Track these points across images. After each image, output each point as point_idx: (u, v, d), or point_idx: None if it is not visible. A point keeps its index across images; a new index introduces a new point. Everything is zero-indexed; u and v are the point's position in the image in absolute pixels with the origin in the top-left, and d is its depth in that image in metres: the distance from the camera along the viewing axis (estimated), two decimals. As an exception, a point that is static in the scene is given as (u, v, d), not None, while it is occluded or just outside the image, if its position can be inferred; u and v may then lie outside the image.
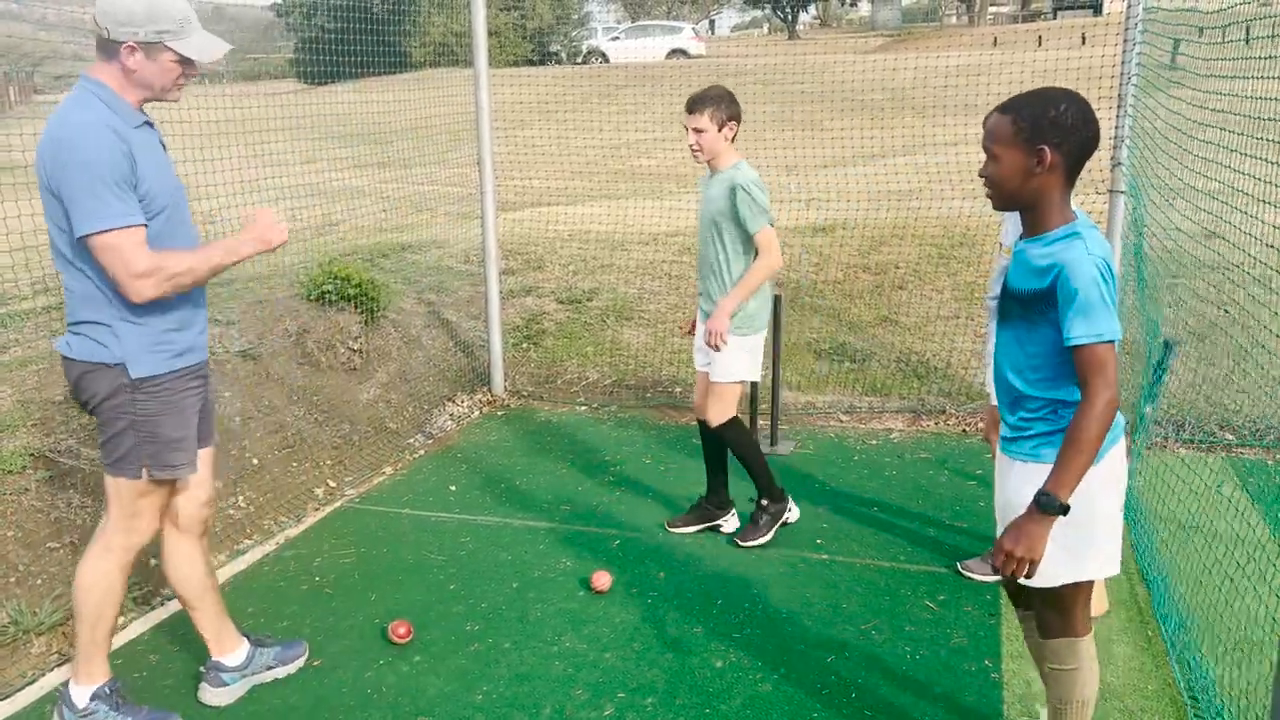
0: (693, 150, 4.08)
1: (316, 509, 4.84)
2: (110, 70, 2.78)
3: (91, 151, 2.64)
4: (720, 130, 4.02)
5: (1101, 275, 2.21)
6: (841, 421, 5.98)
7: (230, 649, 3.32)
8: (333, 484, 5.10)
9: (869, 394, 6.24)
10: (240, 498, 4.74)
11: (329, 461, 5.27)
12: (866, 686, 3.32)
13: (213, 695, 3.28)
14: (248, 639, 3.40)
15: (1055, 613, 2.58)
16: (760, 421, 5.61)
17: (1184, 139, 4.23)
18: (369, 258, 7.77)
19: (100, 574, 2.99)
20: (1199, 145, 4.11)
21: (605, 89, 18.88)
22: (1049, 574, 2.42)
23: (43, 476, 4.23)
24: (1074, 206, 2.41)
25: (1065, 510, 2.23)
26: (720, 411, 4.24)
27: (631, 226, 8.34)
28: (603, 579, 3.98)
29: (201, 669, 3.37)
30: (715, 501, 4.54)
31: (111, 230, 2.66)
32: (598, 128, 11.26)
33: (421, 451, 5.65)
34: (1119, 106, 5.07)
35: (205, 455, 3.16)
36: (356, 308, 6.30)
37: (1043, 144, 2.26)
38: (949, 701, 3.23)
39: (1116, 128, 5.11)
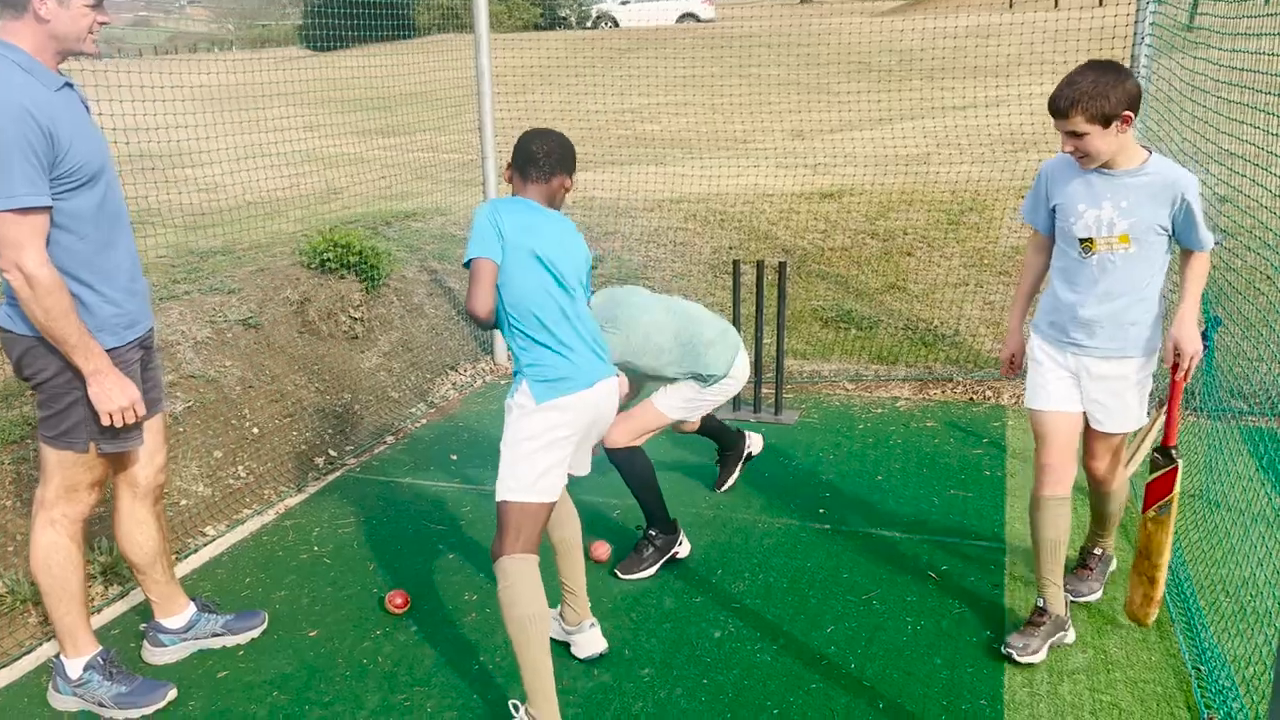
0: None
1: (317, 479, 4.82)
2: (22, 29, 2.64)
3: (3, 125, 2.51)
4: None
5: (488, 215, 2.80)
6: (847, 390, 5.92)
7: (174, 612, 3.35)
8: (333, 453, 5.07)
9: (875, 362, 6.18)
10: (240, 467, 4.72)
11: (330, 431, 5.25)
12: (866, 657, 3.29)
13: (151, 654, 3.34)
14: (194, 604, 3.41)
15: (497, 528, 2.88)
16: (764, 390, 5.56)
17: (1206, 99, 4.12)
18: (372, 225, 7.71)
19: (53, 547, 2.95)
20: (1216, 105, 4.01)
21: (611, 53, 18.66)
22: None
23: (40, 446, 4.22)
24: None
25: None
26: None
27: (636, 193, 8.25)
28: (602, 549, 3.95)
29: (143, 627, 3.44)
30: (727, 444, 4.56)
31: (12, 211, 2.53)
32: (602, 93, 11.11)
33: (423, 420, 5.62)
34: (1131, 68, 4.95)
35: (156, 422, 3.14)
36: (358, 276, 6.25)
37: None
38: (949, 673, 3.20)
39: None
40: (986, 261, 6.97)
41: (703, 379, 3.89)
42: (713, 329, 3.89)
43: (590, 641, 3.28)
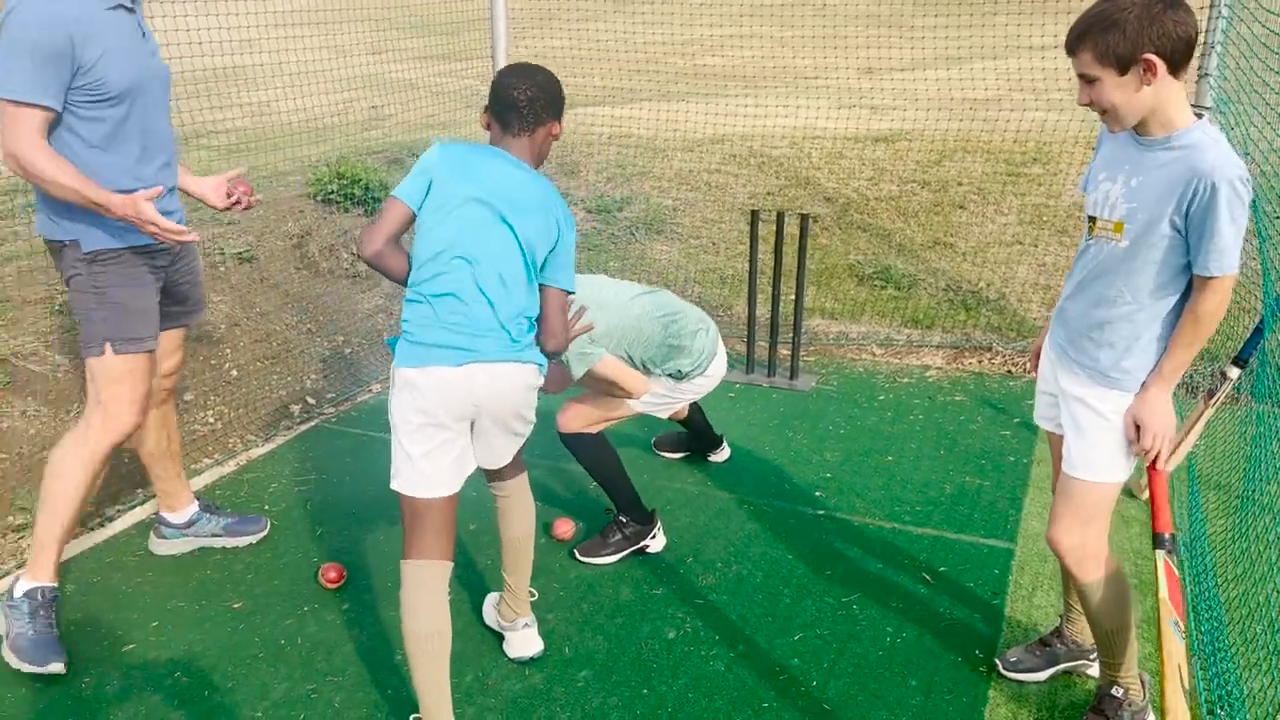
0: None
1: (289, 427, 4.57)
2: None
3: (25, 23, 2.55)
4: None
5: (427, 157, 2.49)
6: (874, 355, 5.47)
7: (176, 508, 3.50)
8: (312, 400, 4.82)
9: (909, 325, 5.69)
10: (210, 412, 4.50)
11: (313, 375, 5.00)
12: (831, 673, 2.92)
13: (156, 545, 3.53)
14: (198, 503, 3.55)
15: None
16: (782, 351, 5.15)
17: None
18: (397, 156, 7.39)
19: (69, 466, 2.90)
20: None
21: (686, -20, 17.91)
22: None
23: (1, 381, 4.04)
24: None
25: None
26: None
27: (676, 130, 7.77)
28: (566, 527, 3.63)
29: (148, 517, 3.70)
30: (696, 435, 4.23)
31: (11, 101, 2.57)
32: (669, 22, 10.54)
33: (417, 368, 5.34)
34: (1212, 5, 4.33)
35: (173, 333, 3.23)
36: (365, 210, 5.96)
37: None
38: (923, 698, 2.82)
39: (1208, 30, 4.39)
40: (1045, 219, 6.38)
41: (681, 375, 3.51)
42: (695, 323, 3.52)
43: (523, 642, 2.97)
